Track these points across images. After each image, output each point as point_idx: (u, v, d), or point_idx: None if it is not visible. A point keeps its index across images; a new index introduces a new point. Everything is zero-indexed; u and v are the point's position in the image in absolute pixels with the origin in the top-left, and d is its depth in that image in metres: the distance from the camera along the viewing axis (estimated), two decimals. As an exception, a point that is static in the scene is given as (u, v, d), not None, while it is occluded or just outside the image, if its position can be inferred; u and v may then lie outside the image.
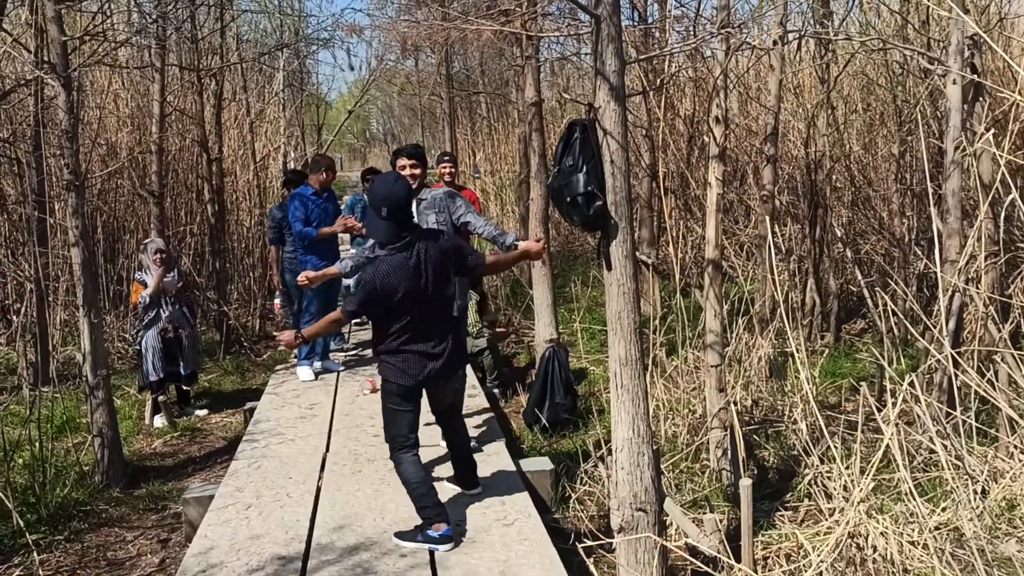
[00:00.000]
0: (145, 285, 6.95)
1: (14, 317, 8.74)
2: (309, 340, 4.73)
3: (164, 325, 6.97)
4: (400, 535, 4.17)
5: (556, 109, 15.95)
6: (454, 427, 4.60)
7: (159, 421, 7.06)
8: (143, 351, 6.91)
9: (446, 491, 4.62)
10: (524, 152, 11.20)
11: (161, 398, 7.05)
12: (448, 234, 4.57)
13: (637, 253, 6.24)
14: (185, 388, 7.39)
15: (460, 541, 4.12)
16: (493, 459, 5.15)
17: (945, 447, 4.41)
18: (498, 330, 8.16)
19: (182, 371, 7.14)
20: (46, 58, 5.80)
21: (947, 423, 4.62)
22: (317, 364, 7.42)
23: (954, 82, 5.02)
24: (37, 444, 5.46)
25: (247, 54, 14.63)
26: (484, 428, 5.77)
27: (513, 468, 5.03)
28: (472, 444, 4.85)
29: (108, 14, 8.07)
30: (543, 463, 5.26)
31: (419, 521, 4.18)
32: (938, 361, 4.97)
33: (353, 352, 8.36)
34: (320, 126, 20.62)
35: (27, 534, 4.33)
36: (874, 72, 8.92)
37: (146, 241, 7.48)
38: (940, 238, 5.07)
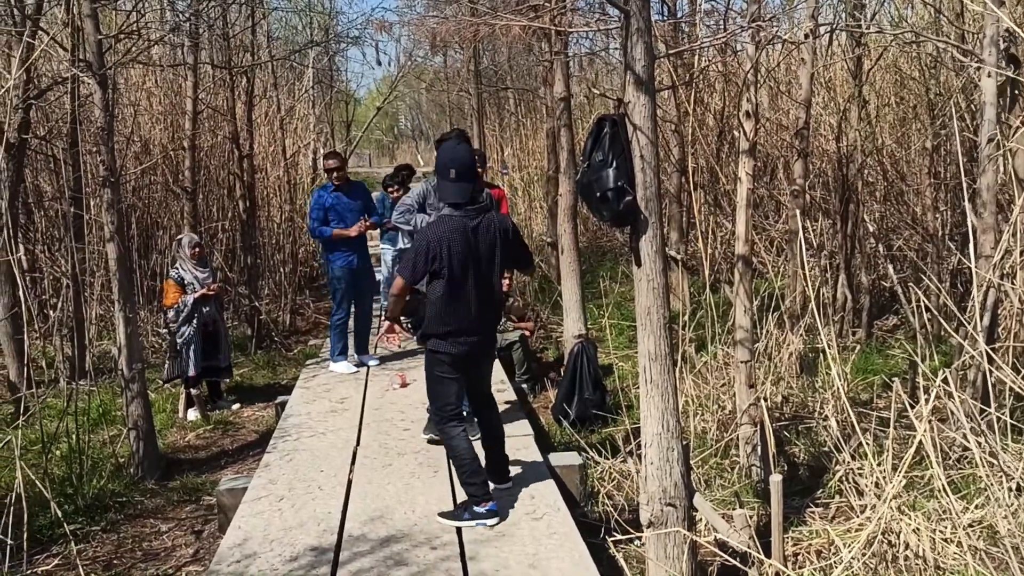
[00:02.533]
0: (180, 282, 7.04)
1: (51, 312, 8.89)
2: (398, 317, 4.59)
3: (205, 320, 7.12)
4: (444, 515, 4.28)
5: (585, 104, 15.93)
6: (489, 414, 4.64)
7: (192, 414, 7.18)
8: (182, 347, 7.03)
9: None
10: (552, 147, 11.19)
11: (194, 392, 7.18)
12: (511, 221, 4.61)
13: (666, 248, 6.22)
14: (223, 380, 7.60)
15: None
16: (522, 453, 5.17)
17: (979, 444, 4.35)
18: (520, 324, 8.13)
19: (221, 363, 7.36)
20: (82, 56, 5.91)
21: (981, 420, 4.57)
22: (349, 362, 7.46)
23: (989, 75, 4.95)
24: (74, 436, 5.57)
25: (278, 52, 14.76)
26: (513, 423, 5.79)
27: (542, 462, 5.05)
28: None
29: (142, 12, 8.19)
30: (572, 458, 5.27)
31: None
32: (972, 357, 4.91)
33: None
34: (349, 123, 20.72)
35: (65, 524, 4.41)
36: (907, 65, 8.80)
37: (179, 236, 7.58)
38: (974, 233, 5.01)
